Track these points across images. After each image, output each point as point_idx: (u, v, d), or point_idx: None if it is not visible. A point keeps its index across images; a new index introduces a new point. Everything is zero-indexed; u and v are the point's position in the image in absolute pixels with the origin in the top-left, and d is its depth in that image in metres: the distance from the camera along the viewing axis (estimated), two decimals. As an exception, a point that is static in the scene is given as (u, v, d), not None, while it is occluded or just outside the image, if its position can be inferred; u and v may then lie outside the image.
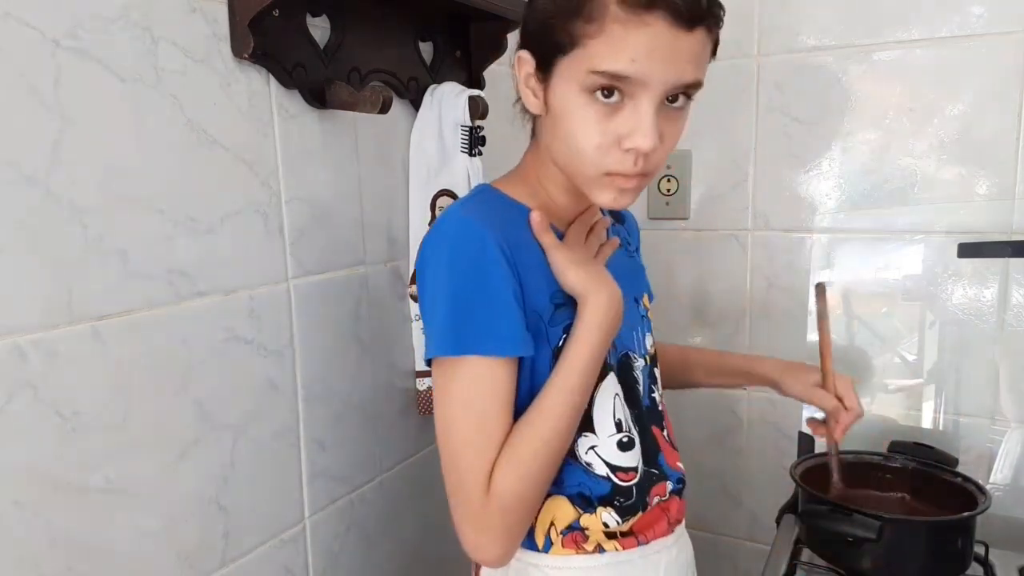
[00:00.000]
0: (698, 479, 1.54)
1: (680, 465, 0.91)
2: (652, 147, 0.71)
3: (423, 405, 1.17)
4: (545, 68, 0.74)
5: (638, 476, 0.82)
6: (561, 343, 0.78)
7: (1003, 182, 1.23)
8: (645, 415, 0.87)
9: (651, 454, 0.85)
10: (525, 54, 0.76)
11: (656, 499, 0.85)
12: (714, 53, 0.74)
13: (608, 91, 0.70)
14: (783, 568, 1.08)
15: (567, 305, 0.79)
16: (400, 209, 1.13)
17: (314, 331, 0.99)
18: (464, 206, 0.79)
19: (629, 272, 0.92)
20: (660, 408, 0.91)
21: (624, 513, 0.81)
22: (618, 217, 0.99)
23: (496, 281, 0.73)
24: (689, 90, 0.73)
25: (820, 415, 1.04)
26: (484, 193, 0.84)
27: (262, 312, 0.92)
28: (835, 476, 1.08)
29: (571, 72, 0.71)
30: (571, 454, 0.79)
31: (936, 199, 1.28)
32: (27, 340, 0.68)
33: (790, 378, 1.03)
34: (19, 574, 0.69)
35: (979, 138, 1.24)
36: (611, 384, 0.82)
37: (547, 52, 0.73)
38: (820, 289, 1.04)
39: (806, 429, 1.34)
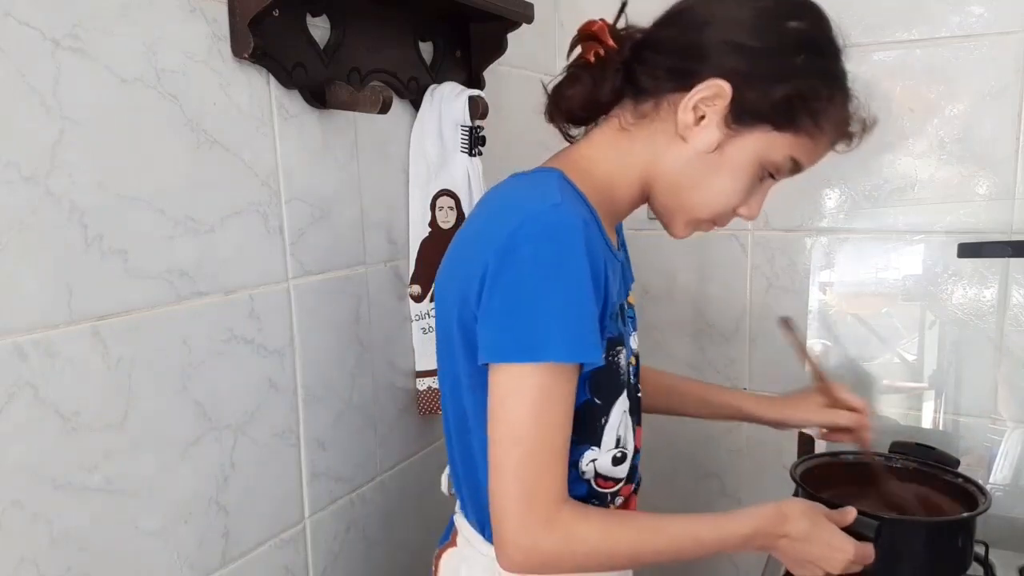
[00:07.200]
0: (698, 479, 1.54)
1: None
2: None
3: (423, 405, 1.17)
4: (742, 120, 0.75)
5: (617, 487, 0.83)
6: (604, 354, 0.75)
7: (1003, 182, 1.23)
8: (633, 415, 0.86)
9: (633, 455, 0.85)
10: (728, 88, 0.73)
11: (620, 500, 0.86)
12: None
13: (770, 176, 0.80)
14: (783, 568, 1.07)
15: (615, 319, 0.77)
16: (400, 209, 1.13)
17: (314, 331, 0.99)
18: (558, 202, 0.72)
19: (623, 276, 0.90)
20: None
21: None
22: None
23: (587, 290, 0.70)
24: None
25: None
26: (566, 187, 0.76)
27: (262, 312, 0.92)
28: (874, 459, 1.10)
29: (771, 144, 0.76)
30: (572, 464, 0.77)
31: (936, 199, 1.28)
32: (27, 340, 0.68)
33: (792, 410, 1.06)
34: (19, 574, 0.69)
35: (979, 138, 1.23)
36: (623, 400, 0.81)
37: (760, 113, 0.74)
38: (785, 323, 1.07)
39: (805, 429, 1.35)
